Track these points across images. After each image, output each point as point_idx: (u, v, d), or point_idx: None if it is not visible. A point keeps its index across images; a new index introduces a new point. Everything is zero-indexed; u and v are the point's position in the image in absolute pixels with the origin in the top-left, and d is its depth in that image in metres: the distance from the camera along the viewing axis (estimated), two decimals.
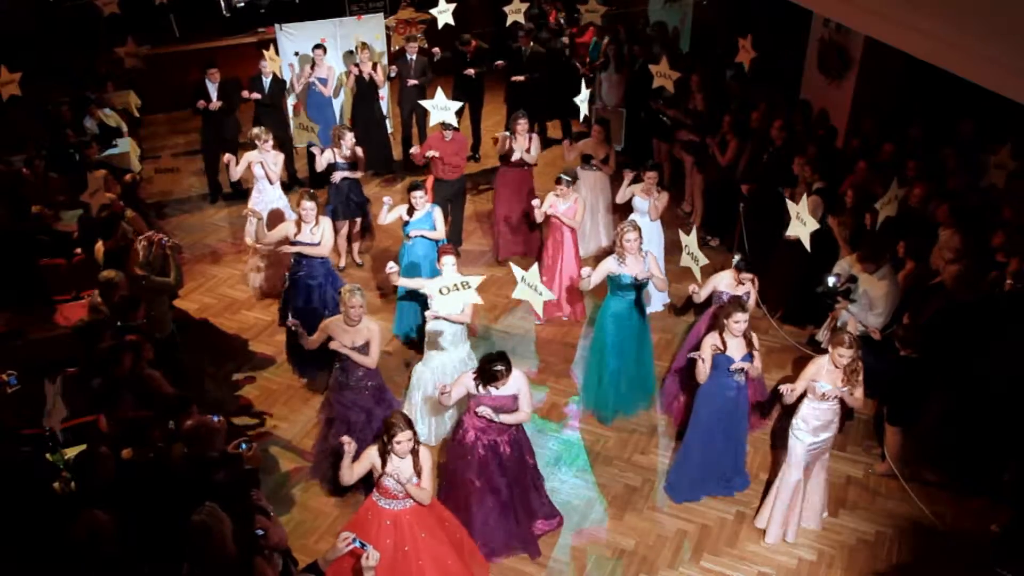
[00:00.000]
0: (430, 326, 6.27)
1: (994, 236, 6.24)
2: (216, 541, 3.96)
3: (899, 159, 7.35)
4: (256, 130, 8.09)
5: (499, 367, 5.10)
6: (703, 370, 5.61)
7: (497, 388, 5.18)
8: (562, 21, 11.43)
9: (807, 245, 5.89)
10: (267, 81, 9.61)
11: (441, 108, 7.69)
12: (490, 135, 10.75)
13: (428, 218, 7.18)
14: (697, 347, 6.48)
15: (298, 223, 6.85)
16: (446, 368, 6.31)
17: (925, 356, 5.72)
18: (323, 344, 6.98)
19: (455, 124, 8.08)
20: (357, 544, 4.09)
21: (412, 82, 10.03)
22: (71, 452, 5.11)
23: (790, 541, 5.73)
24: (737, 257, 6.46)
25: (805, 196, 6.27)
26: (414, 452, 4.75)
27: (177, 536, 4.25)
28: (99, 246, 6.74)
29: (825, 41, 8.54)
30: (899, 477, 6.11)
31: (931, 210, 6.74)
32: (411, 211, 7.18)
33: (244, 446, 5.04)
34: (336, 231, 8.58)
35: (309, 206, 6.77)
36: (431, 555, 4.92)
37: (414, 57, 10.09)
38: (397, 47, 10.48)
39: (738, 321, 5.51)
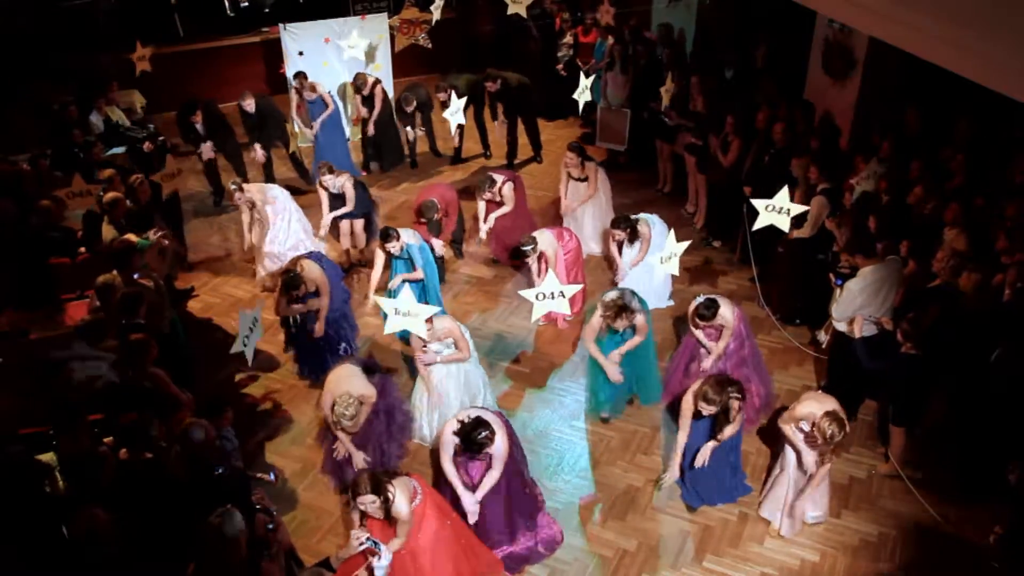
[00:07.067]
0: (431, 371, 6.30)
1: (997, 238, 6.21)
2: (231, 546, 3.97)
3: (900, 157, 7.31)
4: (231, 186, 8.09)
5: (483, 433, 5.06)
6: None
7: (480, 458, 5.16)
8: (566, 20, 11.41)
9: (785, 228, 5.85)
10: (252, 111, 9.57)
11: (453, 113, 7.72)
12: (492, 134, 10.82)
13: (406, 252, 7.21)
14: (689, 358, 6.67)
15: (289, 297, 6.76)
16: (450, 371, 6.34)
17: (926, 354, 5.71)
18: (324, 342, 7.04)
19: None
20: (370, 544, 4.11)
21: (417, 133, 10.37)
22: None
23: (786, 535, 5.73)
24: (698, 300, 6.41)
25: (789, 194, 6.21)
26: (386, 508, 4.64)
27: (181, 535, 4.26)
28: (106, 228, 6.82)
29: (829, 42, 8.53)
30: (902, 478, 6.11)
31: (932, 210, 6.71)
32: (389, 259, 7.25)
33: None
34: (338, 231, 8.62)
35: (298, 294, 6.69)
36: (431, 553, 4.92)
37: (413, 106, 10.20)
38: (400, 47, 10.49)
39: (705, 409, 5.46)
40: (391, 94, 10.65)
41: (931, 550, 5.69)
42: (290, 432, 6.80)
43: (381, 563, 4.14)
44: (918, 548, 5.71)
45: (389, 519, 4.70)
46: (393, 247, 7.11)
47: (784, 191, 5.81)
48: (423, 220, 7.91)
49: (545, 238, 7.53)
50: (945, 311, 5.84)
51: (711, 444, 5.64)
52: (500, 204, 8.34)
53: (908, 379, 5.88)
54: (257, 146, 9.68)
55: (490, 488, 5.28)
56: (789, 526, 5.76)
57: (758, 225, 5.90)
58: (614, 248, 7.71)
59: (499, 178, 8.30)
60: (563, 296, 5.54)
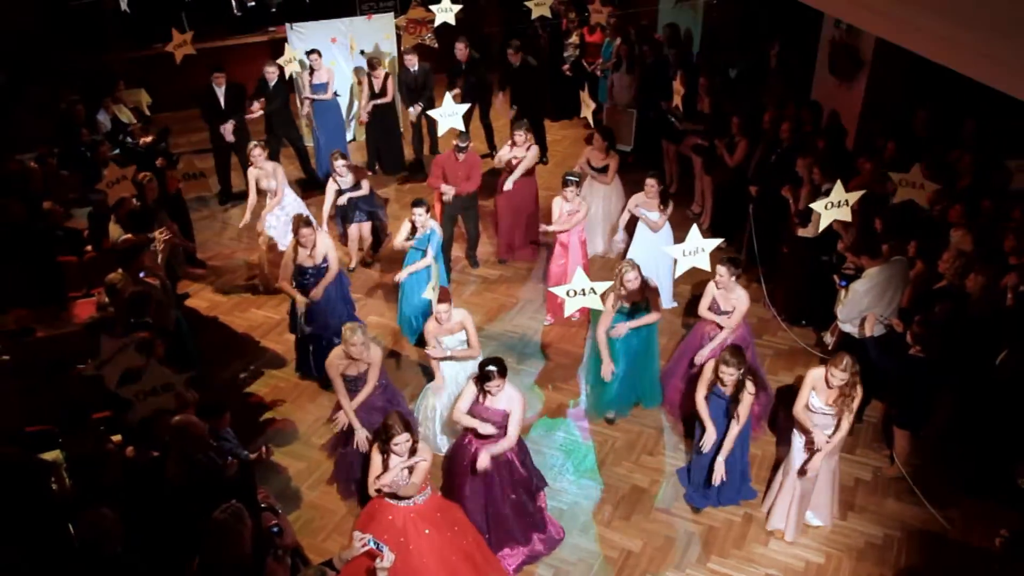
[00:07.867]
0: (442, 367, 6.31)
1: (1005, 240, 6.20)
2: (235, 541, 3.99)
3: (905, 158, 7.29)
4: (250, 145, 8.15)
5: (491, 367, 5.22)
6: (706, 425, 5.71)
7: (492, 394, 5.25)
8: (573, 19, 11.42)
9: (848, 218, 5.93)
10: (272, 84, 9.66)
11: (448, 115, 7.66)
12: (499, 134, 10.80)
13: (425, 240, 7.19)
14: (688, 364, 6.59)
15: (295, 247, 6.79)
16: (461, 367, 6.34)
17: (933, 358, 5.70)
18: (328, 344, 7.03)
19: (462, 127, 8.08)
20: (372, 545, 4.11)
21: (416, 109, 10.28)
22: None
23: (789, 540, 5.73)
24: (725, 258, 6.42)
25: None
26: (412, 451, 4.88)
27: (185, 533, 4.27)
28: (113, 227, 6.81)
29: (836, 42, 8.51)
30: (908, 480, 6.10)
31: (939, 210, 6.70)
32: (413, 229, 7.21)
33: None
34: (346, 233, 8.63)
35: (306, 232, 6.70)
36: (437, 554, 4.93)
37: (416, 68, 10.15)
38: (406, 46, 10.51)
39: (727, 373, 5.47)
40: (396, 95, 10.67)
41: (936, 553, 5.67)
42: (295, 431, 6.81)
43: (384, 564, 4.14)
44: (923, 551, 5.70)
45: (411, 455, 4.88)
46: (420, 215, 7.10)
47: (839, 184, 5.82)
48: (455, 143, 8.11)
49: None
50: (952, 313, 5.83)
51: (733, 432, 5.62)
52: (518, 163, 8.44)
53: (914, 381, 5.86)
54: (229, 124, 9.59)
55: (505, 448, 5.31)
56: (794, 529, 5.75)
57: (823, 224, 5.92)
58: (641, 196, 7.71)
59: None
60: (594, 292, 5.50)
